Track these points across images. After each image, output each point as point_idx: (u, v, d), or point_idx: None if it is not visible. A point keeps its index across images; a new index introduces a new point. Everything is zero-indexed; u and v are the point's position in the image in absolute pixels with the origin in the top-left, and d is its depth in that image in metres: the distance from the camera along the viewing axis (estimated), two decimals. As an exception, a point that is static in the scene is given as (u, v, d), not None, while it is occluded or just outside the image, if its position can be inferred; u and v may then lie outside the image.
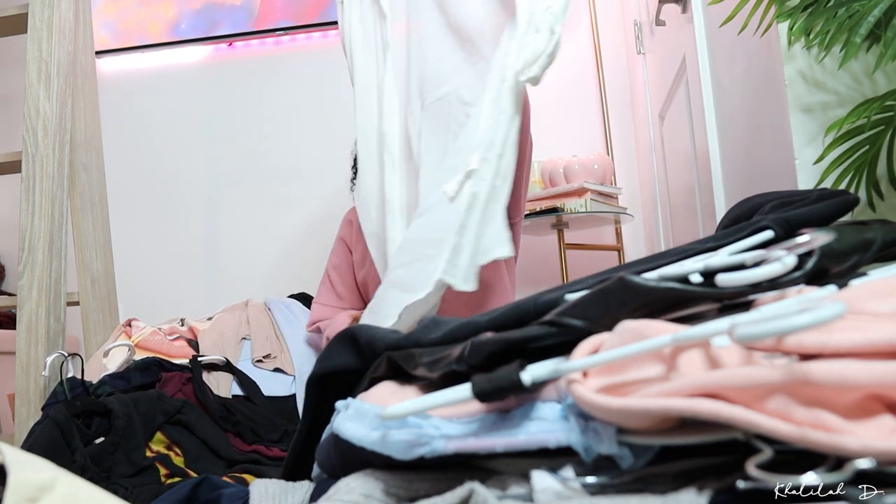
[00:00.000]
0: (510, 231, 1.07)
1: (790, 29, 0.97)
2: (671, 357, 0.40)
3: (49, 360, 1.18)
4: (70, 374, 1.17)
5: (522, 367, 0.44)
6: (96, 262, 1.56)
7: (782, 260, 0.45)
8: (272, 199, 2.57)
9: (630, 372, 0.41)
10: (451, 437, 0.44)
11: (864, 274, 0.49)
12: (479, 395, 0.44)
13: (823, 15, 0.88)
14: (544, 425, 0.43)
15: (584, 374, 0.42)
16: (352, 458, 0.51)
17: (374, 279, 1.40)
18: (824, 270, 0.48)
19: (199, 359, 1.35)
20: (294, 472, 0.73)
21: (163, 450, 1.15)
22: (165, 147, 2.63)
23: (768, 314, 0.38)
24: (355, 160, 1.55)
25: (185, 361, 1.35)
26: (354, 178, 1.57)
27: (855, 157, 0.88)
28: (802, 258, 0.46)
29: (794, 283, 0.46)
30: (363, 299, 1.50)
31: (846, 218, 0.61)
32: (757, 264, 0.46)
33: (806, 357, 0.40)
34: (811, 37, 0.96)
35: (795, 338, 0.39)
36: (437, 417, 0.46)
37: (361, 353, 0.63)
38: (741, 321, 0.37)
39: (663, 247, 2.16)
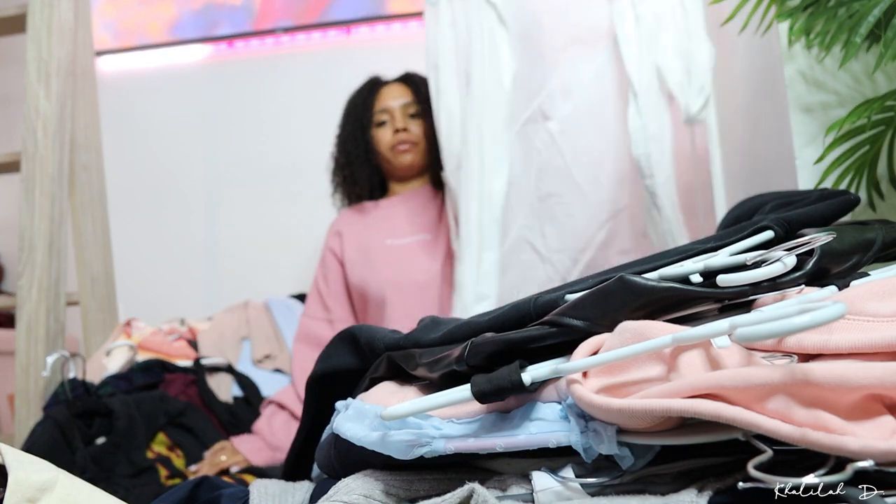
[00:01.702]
0: None
1: (790, 29, 0.97)
2: (671, 357, 0.40)
3: (50, 360, 1.17)
4: (72, 375, 1.17)
5: (522, 367, 0.44)
6: (96, 262, 1.56)
7: (783, 260, 0.45)
8: (272, 198, 2.57)
9: (630, 372, 0.41)
10: (452, 438, 0.44)
11: (864, 274, 0.49)
12: (479, 395, 0.44)
13: (824, 15, 0.88)
14: (544, 425, 0.43)
15: (585, 375, 0.42)
16: (352, 459, 0.51)
17: (375, 290, 1.39)
18: (825, 270, 0.48)
19: (203, 361, 1.34)
20: (294, 473, 0.73)
21: (164, 451, 1.15)
22: (165, 147, 2.63)
23: (768, 315, 0.38)
24: (342, 164, 1.51)
25: (187, 363, 1.35)
26: (343, 185, 1.54)
27: (855, 158, 0.88)
28: (803, 258, 0.46)
29: (795, 283, 0.46)
30: (354, 312, 1.47)
31: (847, 218, 0.61)
32: (757, 264, 0.46)
33: (806, 357, 0.40)
34: (811, 37, 0.96)
35: (796, 338, 0.39)
36: (437, 418, 0.46)
37: (361, 353, 0.63)
38: (741, 322, 0.37)
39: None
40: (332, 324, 1.43)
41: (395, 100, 1.47)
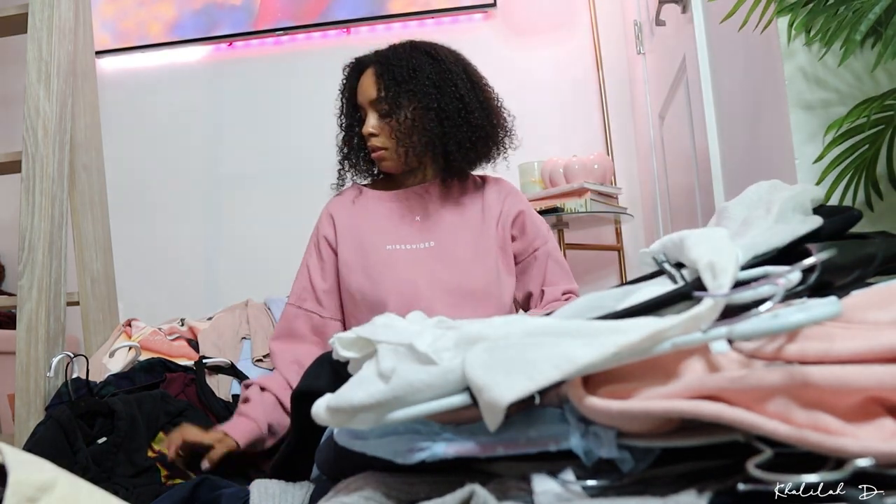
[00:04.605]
0: None
1: (790, 25, 0.96)
2: (671, 362, 0.40)
3: (54, 361, 1.17)
4: (75, 375, 1.17)
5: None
6: (96, 262, 1.56)
7: (786, 276, 0.45)
8: (272, 198, 2.57)
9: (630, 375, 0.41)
10: (452, 442, 0.44)
11: (866, 286, 0.49)
12: (480, 397, 0.43)
13: (824, 12, 0.87)
14: (545, 429, 0.42)
15: (584, 379, 0.42)
16: (352, 461, 0.51)
17: (382, 290, 1.20)
18: (827, 284, 0.48)
19: (204, 360, 1.34)
20: (286, 474, 0.73)
21: (165, 450, 1.14)
22: (165, 147, 2.63)
23: (766, 314, 0.37)
24: (342, 150, 1.36)
25: (189, 363, 1.34)
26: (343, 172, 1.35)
27: (854, 157, 0.88)
28: (806, 273, 0.46)
29: (798, 295, 0.46)
30: (342, 312, 1.29)
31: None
32: (761, 278, 0.46)
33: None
34: (811, 34, 0.96)
35: (798, 346, 0.38)
36: (438, 422, 0.45)
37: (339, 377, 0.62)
38: (739, 321, 0.37)
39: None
40: (325, 321, 1.27)
41: (366, 95, 1.28)
